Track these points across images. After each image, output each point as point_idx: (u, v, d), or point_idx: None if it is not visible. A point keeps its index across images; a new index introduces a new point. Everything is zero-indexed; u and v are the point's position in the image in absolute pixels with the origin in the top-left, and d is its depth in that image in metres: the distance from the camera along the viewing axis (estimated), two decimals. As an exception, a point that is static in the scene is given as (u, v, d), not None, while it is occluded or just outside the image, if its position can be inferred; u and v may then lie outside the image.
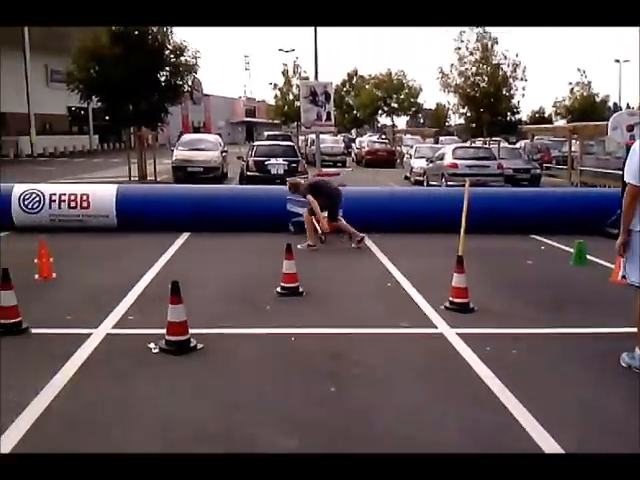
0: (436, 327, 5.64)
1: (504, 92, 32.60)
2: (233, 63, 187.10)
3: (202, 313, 5.68)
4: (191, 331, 4.98)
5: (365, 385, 4.37)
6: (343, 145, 35.18)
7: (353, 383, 4.39)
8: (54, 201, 10.31)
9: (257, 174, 17.21)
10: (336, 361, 4.77)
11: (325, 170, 18.09)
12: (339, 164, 31.11)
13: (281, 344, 5.16)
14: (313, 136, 24.61)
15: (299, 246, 8.74)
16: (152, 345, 4.93)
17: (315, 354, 4.92)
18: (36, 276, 7.13)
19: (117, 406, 3.96)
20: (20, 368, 4.55)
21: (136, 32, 20.17)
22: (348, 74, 58.59)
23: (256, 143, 21.33)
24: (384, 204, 10.92)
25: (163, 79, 21.37)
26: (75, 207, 10.30)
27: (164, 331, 4.97)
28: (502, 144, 26.60)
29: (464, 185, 7.26)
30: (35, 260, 7.51)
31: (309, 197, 9.29)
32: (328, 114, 21.54)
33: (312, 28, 22.77)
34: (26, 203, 10.29)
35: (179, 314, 4.86)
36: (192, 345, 4.92)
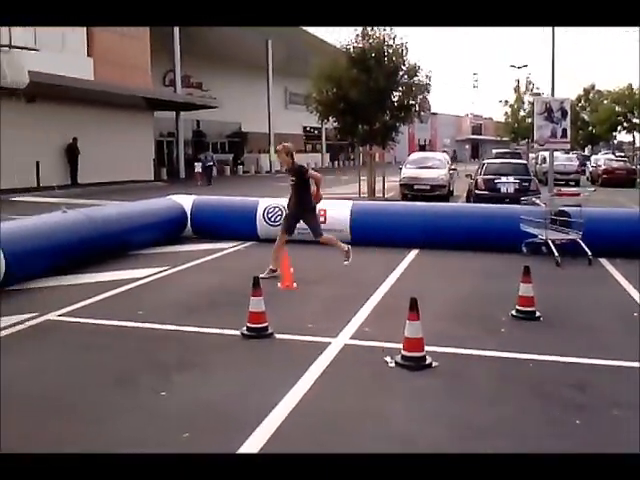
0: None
1: None
2: (460, 81, 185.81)
3: (435, 331, 5.67)
4: (425, 348, 5.00)
5: (613, 421, 4.05)
6: (577, 163, 33.26)
7: (602, 417, 4.10)
8: (294, 215, 11.01)
9: (486, 192, 16.87)
10: (582, 393, 4.50)
11: (564, 190, 17.19)
12: (572, 183, 29.47)
13: (518, 369, 4.98)
14: (543, 153, 23.53)
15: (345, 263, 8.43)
16: (388, 359, 5.02)
17: (556, 382, 4.68)
18: (279, 285, 7.64)
19: (357, 416, 4.09)
20: (267, 371, 4.89)
21: (373, 54, 20.92)
22: (584, 89, 55.47)
23: (486, 161, 20.95)
24: (631, 227, 10.08)
25: (396, 99, 21.91)
26: (313, 221, 10.90)
27: (399, 345, 5.06)
28: None
29: None
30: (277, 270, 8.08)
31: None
32: (564, 131, 20.44)
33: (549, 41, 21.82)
34: (269, 216, 11.11)
35: (416, 331, 4.91)
36: (427, 362, 4.94)
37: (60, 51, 25.03)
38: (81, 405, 4.24)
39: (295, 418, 4.02)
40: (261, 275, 7.35)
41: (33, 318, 6.23)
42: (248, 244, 10.99)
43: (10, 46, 6.74)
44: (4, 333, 5.76)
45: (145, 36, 31.05)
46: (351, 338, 5.67)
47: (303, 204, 8.23)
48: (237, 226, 11.33)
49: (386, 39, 21.41)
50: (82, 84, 24.53)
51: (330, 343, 5.48)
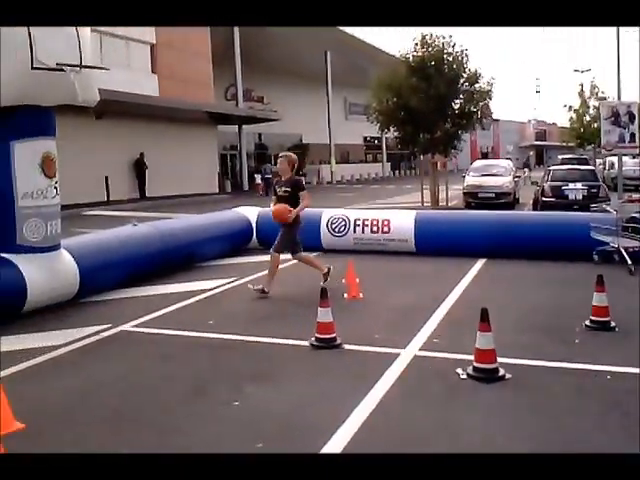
0: None
1: None
2: (522, 86, 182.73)
3: (506, 342, 5.56)
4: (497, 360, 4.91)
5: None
6: (647, 168, 32.15)
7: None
8: (358, 225, 11.03)
9: (553, 200, 16.49)
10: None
11: (635, 196, 16.68)
12: (641, 188, 28.49)
13: (595, 381, 4.83)
14: (611, 159, 22.89)
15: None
16: (460, 371, 4.96)
17: (636, 396, 4.51)
18: (345, 295, 7.64)
19: (430, 429, 4.04)
20: (337, 382, 4.89)
21: (432, 62, 20.80)
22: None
23: (552, 167, 20.49)
24: None
25: (457, 107, 21.71)
26: (377, 232, 10.90)
27: (470, 357, 4.99)
28: None
29: None
30: (343, 280, 8.09)
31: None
32: (632, 135, 19.94)
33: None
34: (333, 227, 11.16)
35: (488, 342, 4.83)
36: (500, 374, 4.85)
37: (126, 68, 25.82)
38: (157, 414, 4.34)
39: (367, 431, 4.00)
40: (250, 286, 7.78)
41: (108, 329, 6.42)
42: (312, 254, 11.00)
43: (81, 66, 6.95)
44: (81, 344, 5.95)
45: (207, 52, 31.74)
46: (420, 349, 5.62)
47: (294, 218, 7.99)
48: (301, 237, 11.38)
49: (446, 47, 21.28)
50: (148, 100, 25.25)
51: (399, 354, 5.44)
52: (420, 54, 21.29)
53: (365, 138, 56.94)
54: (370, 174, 52.41)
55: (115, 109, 22.57)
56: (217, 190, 31.92)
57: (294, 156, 8.14)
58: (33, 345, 5.87)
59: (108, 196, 24.51)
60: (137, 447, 3.80)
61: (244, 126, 35.62)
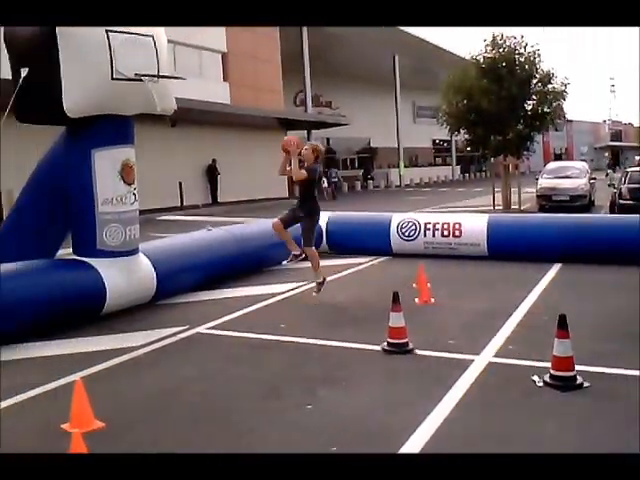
0: None
1: None
2: (597, 86, 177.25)
3: (584, 349, 5.40)
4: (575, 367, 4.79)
5: None
6: None
7: None
8: (428, 229, 10.93)
9: (632, 202, 15.91)
10: None
11: None
12: None
13: (680, 391, 4.64)
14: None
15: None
16: (536, 378, 4.85)
17: None
18: (416, 300, 7.59)
19: (506, 437, 3.97)
20: (410, 388, 4.86)
21: (504, 63, 20.46)
22: None
23: (630, 169, 19.80)
24: None
25: (529, 108, 21.26)
26: (447, 235, 10.77)
27: (546, 364, 4.87)
28: None
29: None
30: (414, 285, 8.04)
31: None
32: None
33: None
34: (403, 231, 11.09)
35: (566, 349, 4.70)
36: (578, 382, 4.72)
37: (198, 77, 26.44)
38: (233, 414, 4.42)
39: (440, 438, 3.96)
40: (284, 262, 8.23)
41: (184, 331, 6.59)
42: (382, 259, 11.03)
43: (158, 76, 7.17)
44: (158, 345, 6.13)
45: (277, 59, 32.16)
46: (495, 356, 5.52)
47: (312, 207, 7.94)
48: (371, 241, 11.41)
49: (517, 47, 20.89)
50: (220, 108, 25.76)
51: (473, 360, 5.37)
52: (491, 55, 20.98)
53: (434, 141, 56.44)
54: (439, 177, 51.89)
55: (188, 117, 23.11)
56: (287, 194, 32.23)
57: (320, 147, 8.22)
58: (112, 346, 6.08)
59: (182, 201, 25.11)
60: (214, 447, 3.88)
61: (313, 131, 35.85)
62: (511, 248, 10.34)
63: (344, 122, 36.72)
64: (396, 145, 44.86)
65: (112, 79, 6.80)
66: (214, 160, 27.67)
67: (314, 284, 8.07)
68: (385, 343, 5.70)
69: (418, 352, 5.63)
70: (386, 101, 44.86)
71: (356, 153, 48.14)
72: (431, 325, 6.62)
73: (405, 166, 46.30)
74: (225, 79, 29.42)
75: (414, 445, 3.83)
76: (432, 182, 49.37)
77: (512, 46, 20.87)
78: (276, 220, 7.96)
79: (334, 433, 4.05)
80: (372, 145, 48.49)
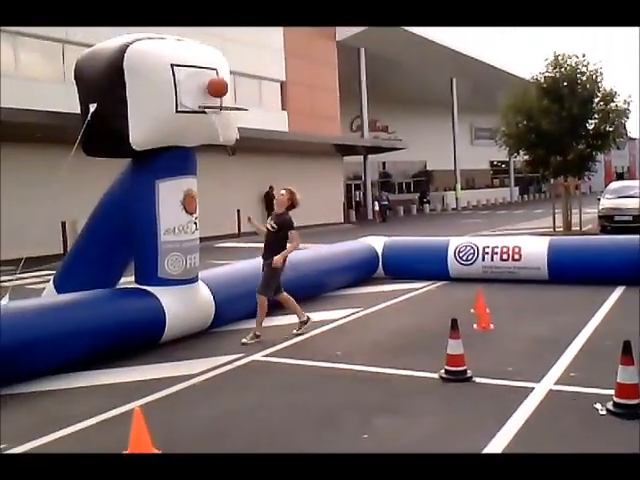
0: None
1: None
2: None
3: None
4: None
5: None
6: None
7: None
8: (487, 253, 10.78)
9: (700, 223, 15.36)
10: None
11: None
12: None
13: None
14: None
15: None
16: (599, 406, 4.71)
17: None
18: (475, 326, 7.48)
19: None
20: (469, 417, 4.78)
21: (565, 83, 20.14)
22: None
23: (699, 188, 19.15)
24: None
25: (591, 127, 20.82)
26: (507, 259, 10.60)
27: (609, 392, 4.73)
28: None
29: None
30: (472, 310, 7.93)
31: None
32: None
33: None
34: (461, 255, 10.98)
35: (631, 376, 4.55)
36: (643, 411, 4.56)
37: (258, 106, 26.94)
38: (289, 443, 4.42)
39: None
40: (243, 340, 7.22)
41: (240, 358, 6.66)
42: (439, 284, 10.92)
43: (221, 107, 7.32)
44: (214, 373, 6.20)
45: (334, 86, 32.49)
46: (556, 383, 5.39)
47: (273, 255, 7.42)
48: (428, 266, 11.32)
49: (579, 66, 20.53)
50: (278, 136, 26.13)
51: (534, 388, 5.25)
52: (552, 74, 20.68)
53: (492, 162, 55.74)
54: (497, 199, 51.12)
55: (247, 145, 23.51)
56: (342, 220, 32.33)
57: (296, 194, 7.68)
58: (170, 374, 6.18)
59: (239, 228, 25.45)
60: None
61: (369, 156, 35.95)
62: (573, 272, 10.10)
63: (400, 146, 36.68)
64: (452, 167, 44.51)
65: (176, 112, 6.99)
66: (271, 187, 27.97)
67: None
68: (442, 371, 5.63)
69: (477, 380, 5.54)
70: (443, 124, 44.64)
71: (412, 177, 47.96)
72: (490, 352, 6.50)
73: (462, 188, 45.84)
74: (284, 107, 29.89)
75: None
76: (490, 204, 48.69)
77: (574, 65, 20.54)
78: (261, 296, 7.51)
79: (391, 463, 4.02)
80: (428, 168, 48.25)
